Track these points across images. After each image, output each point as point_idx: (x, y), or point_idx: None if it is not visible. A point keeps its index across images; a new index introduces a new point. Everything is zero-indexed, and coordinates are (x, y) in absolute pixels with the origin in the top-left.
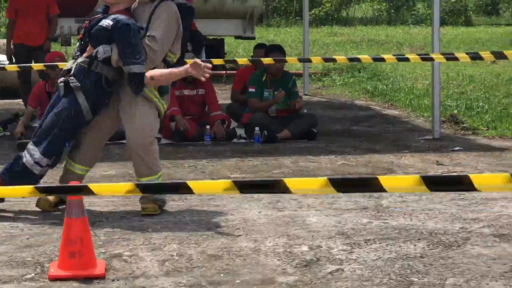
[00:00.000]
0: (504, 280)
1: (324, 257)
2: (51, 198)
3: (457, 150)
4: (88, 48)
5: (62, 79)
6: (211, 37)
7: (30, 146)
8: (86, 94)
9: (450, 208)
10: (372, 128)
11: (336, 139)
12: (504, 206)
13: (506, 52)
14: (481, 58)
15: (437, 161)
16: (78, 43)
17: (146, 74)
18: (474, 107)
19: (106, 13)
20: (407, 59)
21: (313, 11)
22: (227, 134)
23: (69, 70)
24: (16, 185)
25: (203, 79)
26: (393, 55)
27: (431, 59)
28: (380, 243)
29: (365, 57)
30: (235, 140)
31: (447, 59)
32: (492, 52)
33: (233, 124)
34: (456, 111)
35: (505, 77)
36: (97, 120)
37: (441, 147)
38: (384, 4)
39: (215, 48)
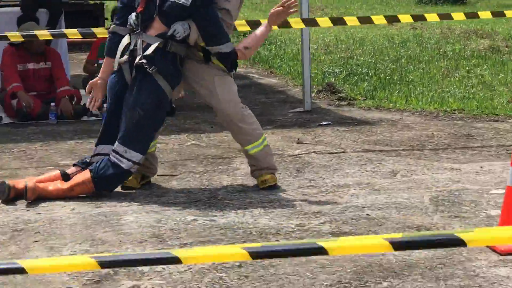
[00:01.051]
0: None
1: (124, 270)
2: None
3: (325, 124)
4: (158, 25)
5: (124, 59)
6: (91, 2)
7: (120, 148)
8: (166, 76)
9: (294, 198)
10: (242, 100)
11: (195, 115)
12: (355, 195)
13: (400, 16)
14: (371, 22)
15: (298, 139)
16: (134, 16)
17: (238, 47)
18: (359, 73)
19: None
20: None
21: None
22: (75, 111)
23: (133, 50)
24: (106, 187)
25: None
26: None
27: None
28: None
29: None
30: (84, 118)
31: (333, 22)
32: (385, 16)
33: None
34: (336, 78)
35: (398, 40)
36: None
37: (309, 121)
38: None
39: (93, 14)
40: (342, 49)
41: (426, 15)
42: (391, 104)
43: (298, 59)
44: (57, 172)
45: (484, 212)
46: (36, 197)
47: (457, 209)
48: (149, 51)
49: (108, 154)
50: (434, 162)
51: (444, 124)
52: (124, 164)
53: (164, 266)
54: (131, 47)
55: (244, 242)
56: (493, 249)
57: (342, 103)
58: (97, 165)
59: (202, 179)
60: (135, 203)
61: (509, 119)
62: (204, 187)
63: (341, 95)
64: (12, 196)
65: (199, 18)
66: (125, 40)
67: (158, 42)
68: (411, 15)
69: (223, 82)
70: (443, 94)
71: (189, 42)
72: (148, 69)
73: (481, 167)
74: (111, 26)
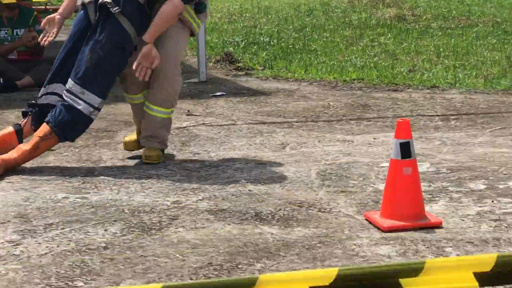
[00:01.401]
0: (192, 279)
1: None
2: (134, 137)
3: (218, 95)
4: None
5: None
6: None
7: (76, 88)
8: (130, 18)
9: (175, 173)
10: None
11: None
12: (239, 170)
13: None
14: None
15: (188, 111)
16: None
17: None
18: (260, 43)
19: None
20: None
21: None
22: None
23: None
24: (71, 135)
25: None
26: None
27: None
28: (62, 229)
29: None
30: None
31: None
32: None
33: None
34: (236, 48)
35: (304, 9)
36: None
37: (203, 92)
38: None
39: None
40: (246, 18)
41: None
42: (289, 74)
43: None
44: (10, 129)
45: (372, 186)
46: (4, 170)
47: (344, 183)
48: None
49: (55, 93)
50: (326, 133)
51: (342, 94)
52: (81, 106)
53: (25, 248)
54: None
55: (115, 221)
56: (376, 226)
57: (240, 73)
58: (53, 113)
59: (81, 153)
60: (4, 181)
61: (408, 88)
62: (81, 163)
63: (239, 64)
64: None
65: None
66: None
67: None
68: None
69: (176, 36)
70: (344, 63)
71: None
72: (111, 9)
73: (374, 138)
74: None
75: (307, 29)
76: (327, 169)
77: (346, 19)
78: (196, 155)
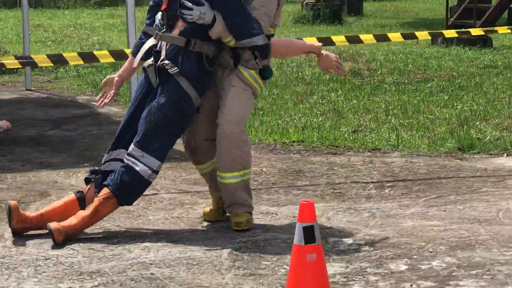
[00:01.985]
0: None
1: None
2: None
3: None
4: (181, 23)
5: (150, 62)
6: None
7: (136, 152)
8: (189, 78)
9: (77, 253)
10: (72, 133)
11: (16, 150)
12: (147, 249)
13: None
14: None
15: None
16: (160, 15)
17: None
18: None
19: None
20: None
21: None
22: None
23: (158, 51)
24: (129, 198)
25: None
26: None
27: None
28: None
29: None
30: None
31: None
32: None
33: None
34: None
35: None
36: (203, 105)
37: None
38: None
39: None
40: None
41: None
42: None
43: None
44: (71, 196)
45: (285, 268)
46: (65, 237)
47: (255, 265)
48: (164, 50)
49: (118, 159)
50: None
51: (278, 159)
52: (139, 168)
53: None
54: (157, 48)
55: None
56: None
57: None
58: (113, 177)
59: None
60: None
61: (348, 151)
62: None
63: None
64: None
65: (224, 9)
66: (150, 42)
67: (179, 40)
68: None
69: (239, 96)
70: (285, 124)
71: (211, 35)
72: (169, 70)
73: None
74: (143, 27)
75: None
76: (241, 248)
77: (300, 74)
78: (107, 231)
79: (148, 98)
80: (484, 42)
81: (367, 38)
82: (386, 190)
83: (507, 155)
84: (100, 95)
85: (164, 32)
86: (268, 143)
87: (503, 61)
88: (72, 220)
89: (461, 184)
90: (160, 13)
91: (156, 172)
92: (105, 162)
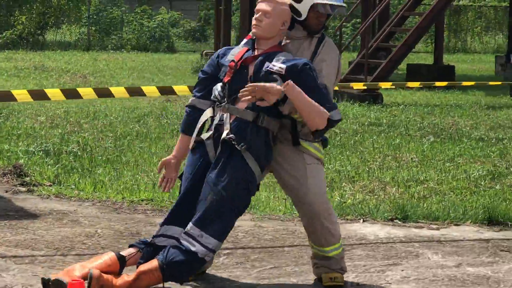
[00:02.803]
0: None
1: None
2: None
3: None
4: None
5: (208, 135)
6: None
7: (195, 231)
8: (255, 155)
9: None
10: None
11: None
12: None
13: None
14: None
15: None
16: (219, 87)
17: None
18: (67, 152)
19: (252, 48)
20: None
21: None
22: None
23: (219, 124)
24: (178, 276)
25: None
26: None
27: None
28: None
29: None
30: None
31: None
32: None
33: None
34: (30, 158)
35: (136, 114)
36: None
37: None
38: (84, 28)
39: None
40: (69, 122)
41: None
42: (75, 191)
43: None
44: (111, 254)
45: None
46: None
47: None
48: (227, 123)
49: (174, 237)
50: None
51: (120, 219)
52: (196, 248)
53: None
54: (217, 121)
55: None
56: None
57: (22, 189)
58: (167, 251)
59: None
60: None
61: None
62: None
63: (27, 179)
64: None
65: (299, 85)
66: (208, 113)
67: (249, 114)
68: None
69: (316, 173)
70: (137, 181)
71: (282, 110)
72: (237, 146)
73: None
74: (191, 99)
75: (128, 137)
76: None
77: (177, 126)
78: None
79: (205, 174)
80: (374, 98)
81: None
82: (221, 259)
83: (363, 221)
84: (160, 180)
85: (225, 104)
86: (115, 201)
87: (388, 119)
88: (115, 279)
89: (303, 254)
90: (219, 85)
91: (213, 251)
92: (159, 235)
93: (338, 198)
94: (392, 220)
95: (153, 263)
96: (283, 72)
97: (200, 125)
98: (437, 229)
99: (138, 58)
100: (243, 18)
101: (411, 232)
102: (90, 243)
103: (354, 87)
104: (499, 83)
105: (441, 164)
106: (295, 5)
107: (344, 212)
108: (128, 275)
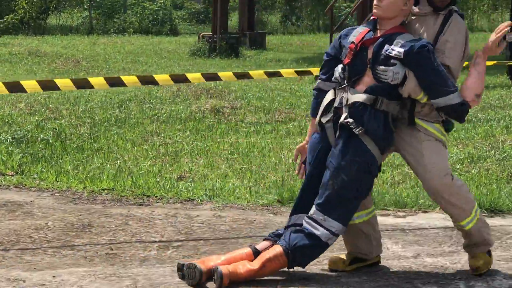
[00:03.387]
0: None
1: None
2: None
3: None
4: (368, 79)
5: (328, 118)
6: None
7: (318, 215)
8: (375, 138)
9: None
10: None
11: None
12: None
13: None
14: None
15: None
16: (340, 68)
17: (466, 96)
18: (39, 140)
19: (374, 28)
20: None
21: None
22: None
23: (338, 107)
24: (303, 261)
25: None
26: None
27: None
28: None
29: None
30: None
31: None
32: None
33: None
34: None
35: (118, 99)
36: None
37: None
38: (87, 12)
39: None
40: (50, 109)
41: (188, 74)
42: (37, 181)
43: None
44: (247, 249)
45: None
46: (229, 283)
47: None
48: (346, 107)
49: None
50: (2, 269)
51: (75, 210)
52: (320, 232)
53: None
54: (336, 104)
55: None
56: None
57: None
58: (289, 236)
59: None
60: None
61: (160, 200)
62: None
63: None
64: (204, 280)
65: (417, 68)
66: (329, 96)
67: (367, 98)
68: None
69: (433, 149)
70: (101, 170)
71: (402, 93)
72: (354, 130)
73: (53, 277)
74: (317, 82)
75: (106, 123)
76: None
77: (157, 111)
78: None
79: (325, 158)
80: None
81: (257, 74)
82: (169, 252)
83: None
84: (298, 167)
85: (345, 87)
86: (75, 191)
87: None
88: (238, 268)
89: (238, 245)
90: (340, 66)
91: (336, 235)
92: (291, 225)
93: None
94: None
95: (277, 249)
96: (401, 56)
97: (322, 108)
98: (404, 216)
99: (137, 42)
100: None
101: None
102: (37, 237)
103: None
104: (494, 62)
105: None
106: None
107: None
108: (251, 262)
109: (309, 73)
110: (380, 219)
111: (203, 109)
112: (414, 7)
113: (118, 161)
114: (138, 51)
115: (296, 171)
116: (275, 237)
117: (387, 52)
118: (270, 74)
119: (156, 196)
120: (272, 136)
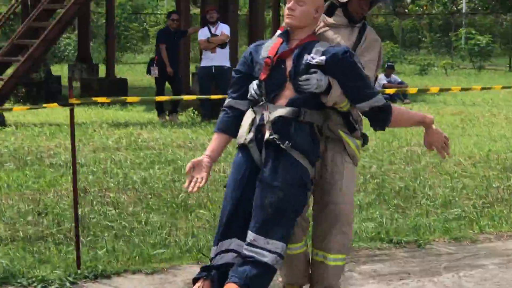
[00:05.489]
0: None
1: None
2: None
3: None
4: (289, 92)
5: (250, 137)
6: None
7: (260, 240)
8: (303, 151)
9: None
10: None
11: None
12: None
13: None
14: None
15: None
16: (255, 85)
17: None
18: None
19: (287, 39)
20: None
21: None
22: None
23: (260, 125)
24: None
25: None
26: None
27: None
28: None
29: None
30: None
31: None
32: None
33: None
34: None
35: None
36: None
37: None
38: None
39: None
40: None
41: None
42: None
43: None
44: None
45: None
46: None
47: None
48: (268, 122)
49: (230, 250)
50: None
51: None
52: (268, 258)
53: None
54: (258, 122)
55: None
56: None
57: None
58: (236, 272)
59: None
60: None
61: None
62: None
63: None
64: None
65: (342, 74)
66: (249, 115)
67: (290, 111)
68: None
69: (351, 174)
70: None
71: (326, 102)
72: (282, 145)
73: None
74: (227, 101)
75: None
76: None
77: None
78: None
79: (253, 179)
80: None
81: None
82: None
83: None
84: (188, 180)
85: (264, 104)
86: None
87: None
88: None
89: None
90: (255, 83)
91: (282, 257)
92: (215, 255)
93: None
94: None
95: (231, 287)
96: (323, 64)
97: (247, 126)
98: None
99: None
100: None
101: None
102: None
103: None
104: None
105: None
106: None
107: None
108: None
109: None
110: None
111: None
112: (329, 18)
113: None
114: None
115: (186, 184)
116: (202, 273)
117: (307, 61)
118: None
119: None
120: None
